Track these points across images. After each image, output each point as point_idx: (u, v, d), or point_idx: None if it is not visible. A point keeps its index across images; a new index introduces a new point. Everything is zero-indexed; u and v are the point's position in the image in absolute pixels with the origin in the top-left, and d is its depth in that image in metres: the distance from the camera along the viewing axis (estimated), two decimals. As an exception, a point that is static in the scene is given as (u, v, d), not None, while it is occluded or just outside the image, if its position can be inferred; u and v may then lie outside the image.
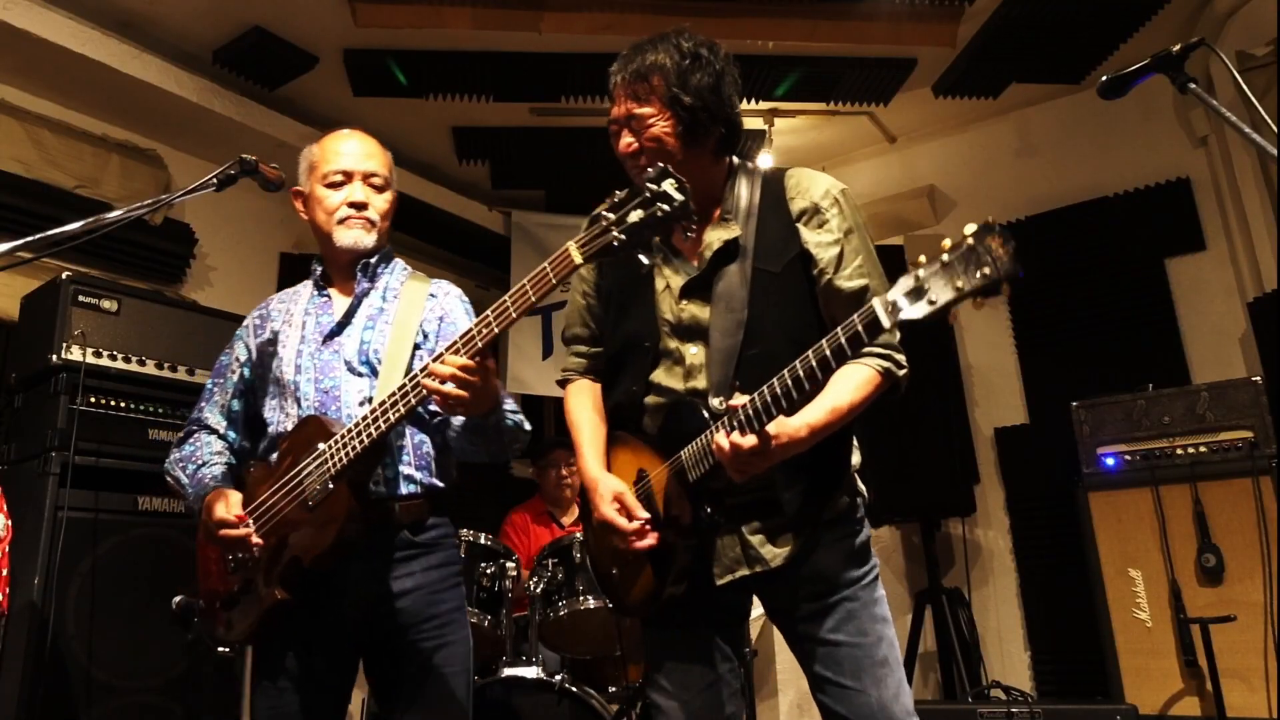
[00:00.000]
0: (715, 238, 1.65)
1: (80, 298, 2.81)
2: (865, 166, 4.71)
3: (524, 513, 3.95)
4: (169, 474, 1.90)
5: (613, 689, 3.04)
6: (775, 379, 1.41)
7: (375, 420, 1.60)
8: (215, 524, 1.70)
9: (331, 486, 1.63)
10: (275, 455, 1.78)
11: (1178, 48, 1.58)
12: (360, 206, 1.86)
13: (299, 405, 1.81)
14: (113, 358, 2.82)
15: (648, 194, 1.37)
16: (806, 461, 1.53)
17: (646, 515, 1.59)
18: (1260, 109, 1.56)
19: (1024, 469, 4.13)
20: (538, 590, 2.86)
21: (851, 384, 1.53)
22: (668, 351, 1.67)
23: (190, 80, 3.76)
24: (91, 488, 2.67)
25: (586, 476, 1.72)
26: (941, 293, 1.18)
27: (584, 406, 1.81)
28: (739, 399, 1.45)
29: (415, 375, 1.58)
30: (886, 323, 1.24)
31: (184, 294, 3.98)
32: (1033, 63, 4.00)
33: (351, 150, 1.89)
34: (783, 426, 1.45)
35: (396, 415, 1.59)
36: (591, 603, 2.83)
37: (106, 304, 2.87)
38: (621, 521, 1.59)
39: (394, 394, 1.59)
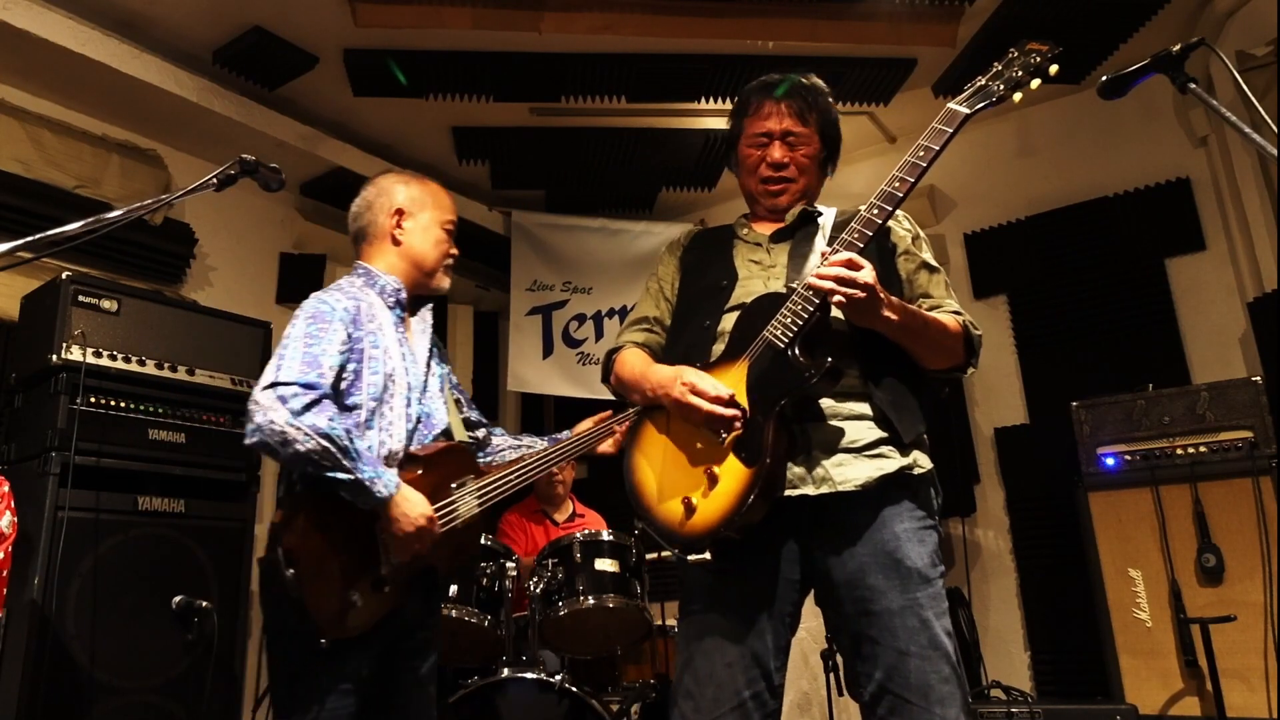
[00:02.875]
0: (800, 208, 1.88)
1: (80, 298, 2.81)
2: (865, 166, 4.71)
3: (518, 512, 3.97)
4: (324, 437, 1.72)
5: (612, 689, 3.04)
6: (853, 222, 1.61)
7: (533, 464, 2.07)
8: (430, 520, 1.81)
9: (479, 511, 1.97)
10: (419, 469, 1.91)
11: (1178, 48, 1.57)
12: (455, 258, 2.16)
13: (419, 422, 1.99)
14: (113, 358, 2.82)
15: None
16: (885, 388, 1.66)
17: (728, 391, 1.61)
18: (1260, 109, 1.55)
19: (1024, 469, 4.13)
20: (538, 590, 2.86)
21: (935, 314, 1.69)
22: (745, 284, 1.80)
23: (190, 80, 3.76)
24: (91, 488, 2.67)
25: (652, 383, 1.73)
26: None
27: (637, 354, 1.88)
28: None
29: (566, 442, 2.15)
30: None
31: (184, 294, 3.98)
32: (1033, 63, 3.99)
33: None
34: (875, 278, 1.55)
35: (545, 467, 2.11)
36: (591, 602, 2.83)
37: (106, 304, 2.87)
38: (696, 400, 1.60)
39: (558, 449, 2.13)
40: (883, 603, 1.56)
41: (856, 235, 1.58)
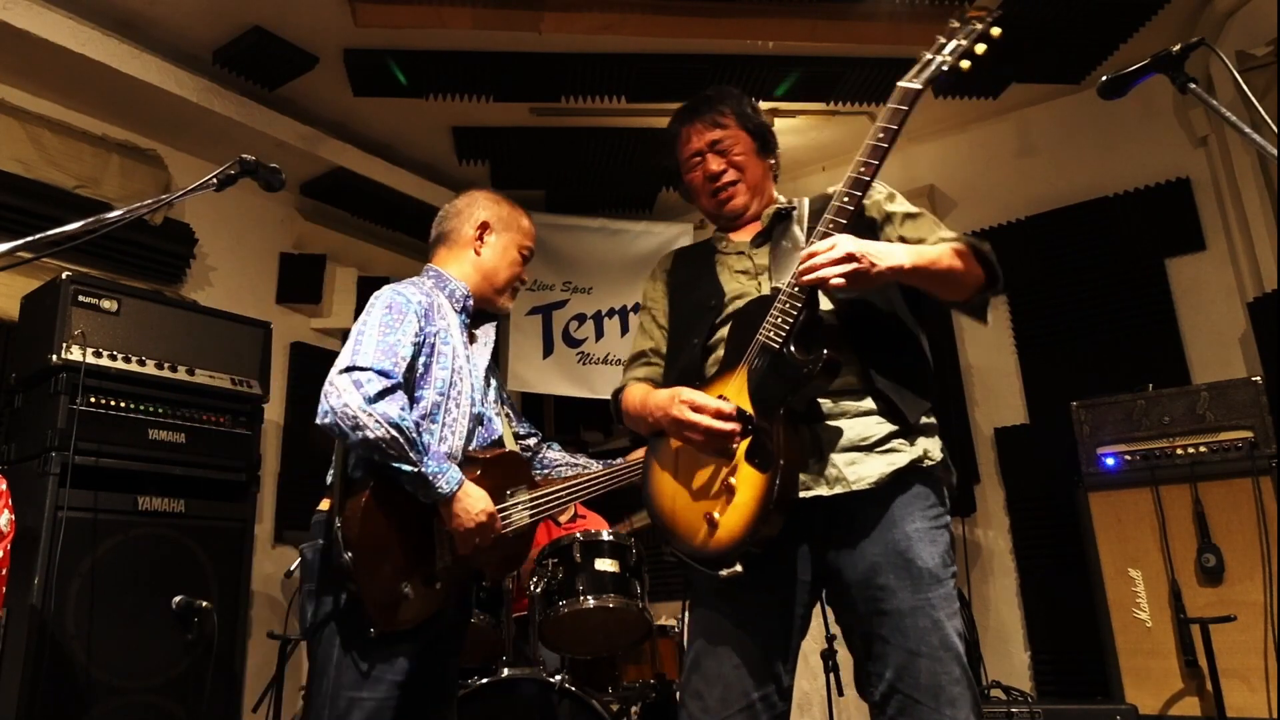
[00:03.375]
0: (773, 207, 1.89)
1: (80, 298, 2.82)
2: (865, 166, 4.70)
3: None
4: (394, 427, 1.76)
5: (612, 689, 3.04)
6: (825, 214, 1.59)
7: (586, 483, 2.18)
8: (491, 516, 1.87)
9: (530, 522, 2.02)
10: (477, 470, 1.94)
11: (1178, 48, 1.58)
12: (523, 284, 2.25)
13: (479, 423, 2.04)
14: (113, 358, 2.82)
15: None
16: (885, 375, 1.64)
17: (729, 406, 1.60)
18: (1260, 109, 1.56)
19: (1024, 469, 4.13)
20: (538, 590, 2.86)
21: (939, 246, 1.68)
22: (736, 295, 1.80)
23: (190, 80, 3.76)
24: (91, 488, 2.67)
25: (651, 407, 1.74)
26: None
27: (639, 387, 1.88)
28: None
29: (620, 467, 2.24)
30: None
31: (184, 294, 3.98)
32: (1033, 63, 4.00)
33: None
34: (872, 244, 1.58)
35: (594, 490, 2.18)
36: (591, 602, 2.83)
37: (106, 304, 2.88)
38: (695, 417, 1.60)
39: (611, 473, 2.21)
40: (894, 602, 1.56)
41: (832, 226, 1.59)
